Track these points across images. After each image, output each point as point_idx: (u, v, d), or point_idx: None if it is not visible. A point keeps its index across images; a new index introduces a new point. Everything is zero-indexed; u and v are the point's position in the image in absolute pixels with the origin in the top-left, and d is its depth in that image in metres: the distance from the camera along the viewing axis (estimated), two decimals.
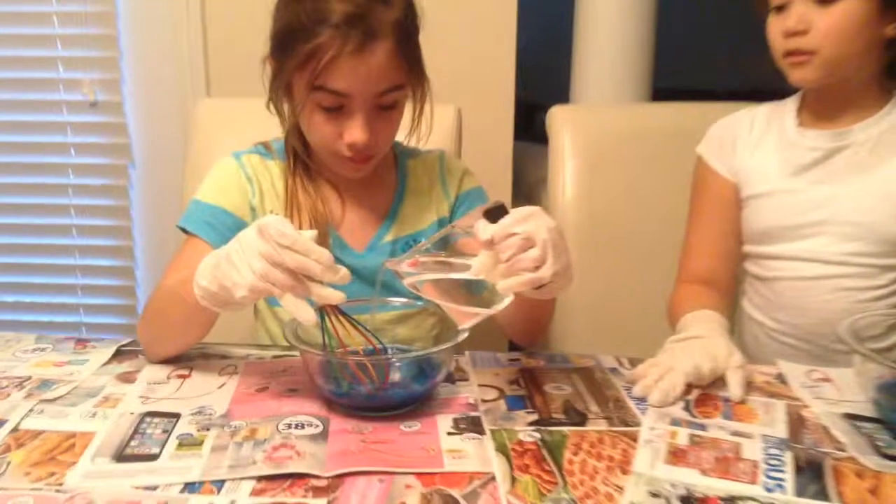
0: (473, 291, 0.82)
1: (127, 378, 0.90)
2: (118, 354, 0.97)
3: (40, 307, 1.97)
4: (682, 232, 1.25)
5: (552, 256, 0.76)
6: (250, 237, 0.78)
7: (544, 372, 0.94)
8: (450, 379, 0.90)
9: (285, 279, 0.76)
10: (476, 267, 0.79)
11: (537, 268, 0.76)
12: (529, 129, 2.08)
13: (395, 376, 0.82)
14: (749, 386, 0.90)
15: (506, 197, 1.87)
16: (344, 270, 0.78)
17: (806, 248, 1.12)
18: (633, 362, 0.98)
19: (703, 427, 0.80)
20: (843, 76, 1.07)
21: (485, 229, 0.77)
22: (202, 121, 1.44)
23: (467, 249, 0.82)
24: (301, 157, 1.06)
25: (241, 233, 0.80)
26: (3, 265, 1.95)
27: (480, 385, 0.90)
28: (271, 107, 1.02)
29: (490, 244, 0.77)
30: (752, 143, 1.17)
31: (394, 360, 0.78)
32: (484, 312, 0.80)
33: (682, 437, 0.77)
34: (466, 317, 0.81)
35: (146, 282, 1.92)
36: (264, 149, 1.09)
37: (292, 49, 0.93)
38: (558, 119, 1.48)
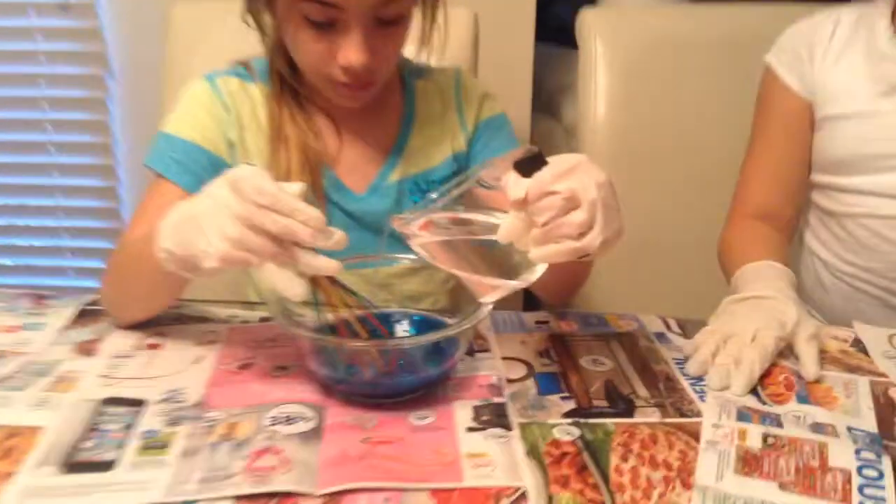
0: (497, 256, 0.66)
1: (87, 349, 0.76)
2: (80, 316, 0.83)
3: (20, 230, 1.83)
4: (737, 158, 1.08)
5: (601, 221, 0.60)
6: (222, 194, 0.62)
7: (578, 339, 0.80)
8: (469, 350, 0.76)
9: (266, 246, 0.61)
10: (504, 230, 0.63)
11: (582, 234, 0.61)
12: (544, 27, 1.85)
13: (404, 358, 0.68)
14: (822, 355, 0.76)
15: (524, 111, 1.68)
16: (339, 234, 0.63)
17: (890, 182, 0.95)
18: (684, 325, 0.83)
19: (777, 421, 0.66)
20: None
21: (517, 185, 0.61)
22: (179, 28, 1.25)
23: (492, 203, 0.66)
24: (288, 81, 0.88)
25: (209, 186, 0.64)
26: None
27: (504, 358, 0.76)
28: (249, 19, 0.83)
29: (523, 204, 0.61)
30: (834, 54, 0.98)
31: (403, 345, 0.64)
32: (511, 285, 0.65)
33: (754, 437, 0.63)
34: (489, 289, 0.66)
35: (131, 203, 1.76)
36: (244, 70, 0.91)
37: None
38: (589, 24, 1.29)
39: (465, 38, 1.21)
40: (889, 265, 0.96)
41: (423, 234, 0.66)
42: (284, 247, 0.61)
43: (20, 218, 1.82)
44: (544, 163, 0.61)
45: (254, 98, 0.89)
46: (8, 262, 1.86)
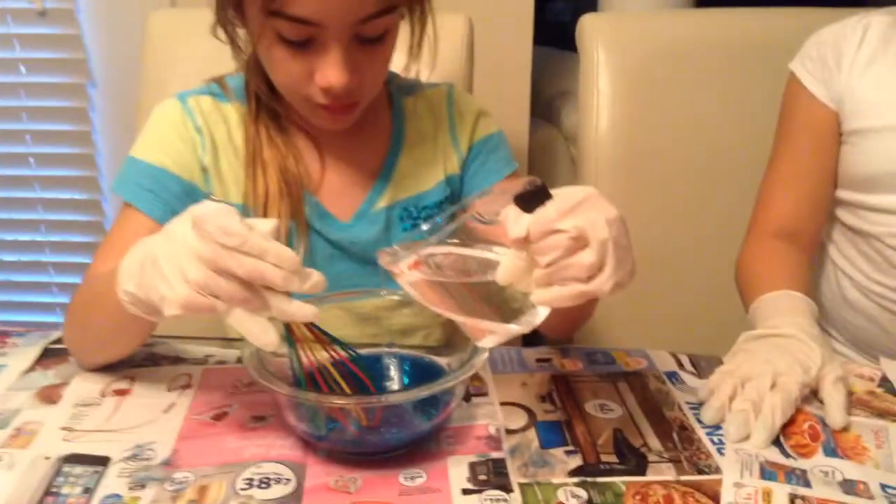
0: (496, 296, 0.60)
1: (49, 396, 0.70)
2: (44, 356, 0.77)
3: (1, 245, 1.76)
4: (751, 170, 1.01)
5: (613, 262, 0.54)
6: (183, 232, 0.56)
7: (583, 380, 0.74)
8: (464, 395, 0.70)
9: (234, 290, 0.54)
10: (503, 271, 0.57)
11: (591, 277, 0.54)
12: (542, 29, 1.78)
13: (392, 411, 0.62)
14: (849, 398, 0.69)
15: (523, 118, 1.62)
16: (316, 276, 0.56)
17: None
18: (697, 363, 0.77)
19: (804, 478, 0.60)
20: None
21: (517, 221, 0.55)
22: (156, 36, 1.19)
23: (490, 237, 0.60)
24: (265, 100, 0.81)
25: (170, 224, 0.58)
26: None
27: (503, 403, 0.69)
28: (220, 33, 0.77)
29: (524, 242, 0.55)
30: (864, 62, 0.90)
31: (389, 401, 0.57)
32: (511, 330, 0.59)
33: (780, 498, 0.57)
34: (486, 333, 0.60)
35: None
36: (218, 88, 0.84)
37: None
38: (590, 30, 1.22)
39: (460, 45, 1.15)
40: None
41: (413, 273, 0.60)
42: (254, 291, 0.55)
43: (2, 233, 1.75)
44: (548, 196, 0.55)
45: (229, 119, 0.82)
46: None
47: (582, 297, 0.55)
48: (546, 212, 0.54)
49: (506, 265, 0.57)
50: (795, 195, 0.96)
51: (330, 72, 0.71)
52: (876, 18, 0.92)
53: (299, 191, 0.81)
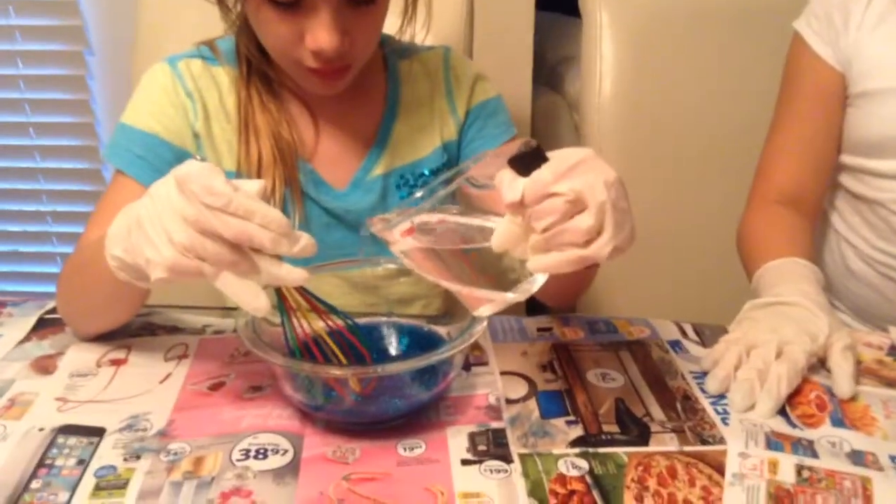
0: (491, 264, 0.59)
1: (44, 367, 0.69)
2: (39, 326, 0.76)
3: (3, 215, 1.75)
4: (755, 136, 0.99)
5: (612, 226, 0.52)
6: (167, 194, 0.54)
7: (585, 349, 0.73)
8: (464, 364, 0.69)
9: (221, 253, 0.53)
10: (499, 237, 0.55)
11: (588, 241, 0.53)
12: None
13: (390, 381, 0.60)
14: (857, 367, 0.68)
15: (525, 85, 1.58)
16: (305, 239, 0.55)
17: None
18: (702, 332, 0.76)
19: (811, 449, 0.58)
20: None
21: (512, 185, 0.53)
22: (152, 2, 1.16)
23: (485, 204, 0.58)
24: (257, 63, 0.79)
25: (153, 186, 0.56)
26: None
27: (504, 373, 0.68)
28: None
29: (519, 207, 0.53)
30: (872, 21, 0.87)
31: (386, 371, 0.56)
32: (507, 298, 0.58)
33: (787, 469, 0.56)
34: (482, 301, 0.59)
35: None
36: (209, 51, 0.81)
37: None
38: None
39: (459, 8, 1.12)
40: None
41: (406, 239, 0.58)
42: (242, 254, 0.54)
43: (4, 203, 1.74)
44: (544, 159, 0.53)
45: (220, 83, 0.80)
46: None
47: (580, 262, 0.53)
48: (541, 174, 0.52)
49: (501, 231, 0.55)
50: (798, 160, 0.94)
51: (320, 34, 0.68)
52: None
53: (293, 157, 0.79)
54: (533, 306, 0.89)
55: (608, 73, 1.18)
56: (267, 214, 0.53)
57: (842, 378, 0.65)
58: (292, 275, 0.55)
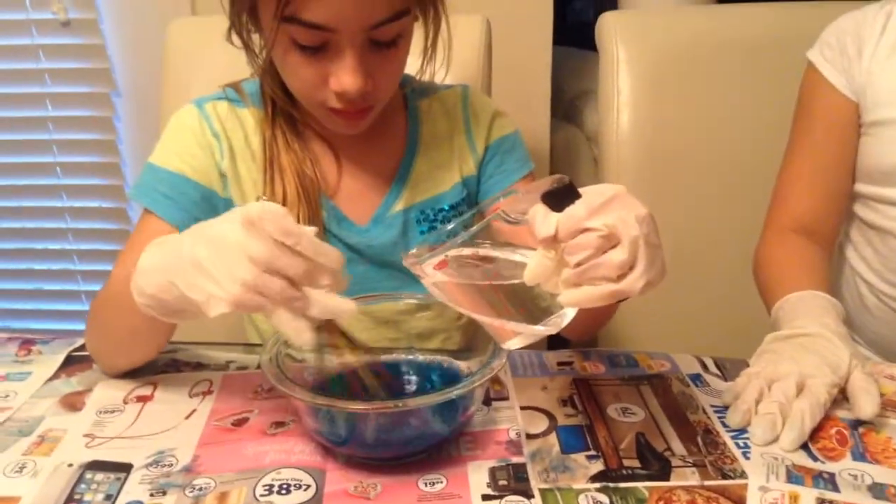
0: (521, 297, 0.59)
1: (73, 403, 0.71)
2: (68, 363, 0.78)
3: (30, 254, 1.79)
4: (774, 167, 0.99)
5: (644, 261, 0.53)
6: (233, 233, 0.55)
7: (605, 383, 0.73)
8: (485, 399, 0.69)
9: (284, 290, 0.55)
10: (531, 271, 0.56)
11: (621, 276, 0.54)
12: (562, 29, 1.77)
13: (411, 416, 0.61)
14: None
15: (543, 119, 1.61)
16: (348, 277, 0.58)
17: None
18: (723, 365, 0.76)
19: (832, 481, 0.58)
20: None
21: (546, 220, 0.54)
22: (176, 44, 1.20)
23: (515, 238, 0.59)
24: (281, 104, 0.82)
25: (210, 227, 0.58)
26: None
27: (524, 408, 0.69)
28: (234, 38, 0.77)
29: (552, 241, 0.54)
30: (885, 50, 0.88)
31: (409, 406, 0.57)
32: (537, 331, 0.58)
33: (808, 502, 0.56)
34: (512, 334, 0.59)
35: None
36: (235, 93, 0.84)
37: None
38: (610, 28, 1.21)
39: (477, 46, 1.15)
40: None
41: (438, 273, 0.59)
42: (300, 291, 0.56)
43: (30, 242, 1.78)
44: (576, 194, 0.55)
45: (245, 124, 0.83)
46: (18, 286, 1.82)
47: (613, 296, 0.54)
48: (575, 210, 0.53)
49: (533, 265, 0.56)
50: (813, 189, 0.94)
51: (344, 76, 0.71)
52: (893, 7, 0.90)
53: (317, 195, 0.81)
54: (554, 340, 0.90)
55: (625, 107, 1.19)
56: (330, 254, 0.56)
57: (864, 398, 0.65)
58: (345, 306, 0.57)
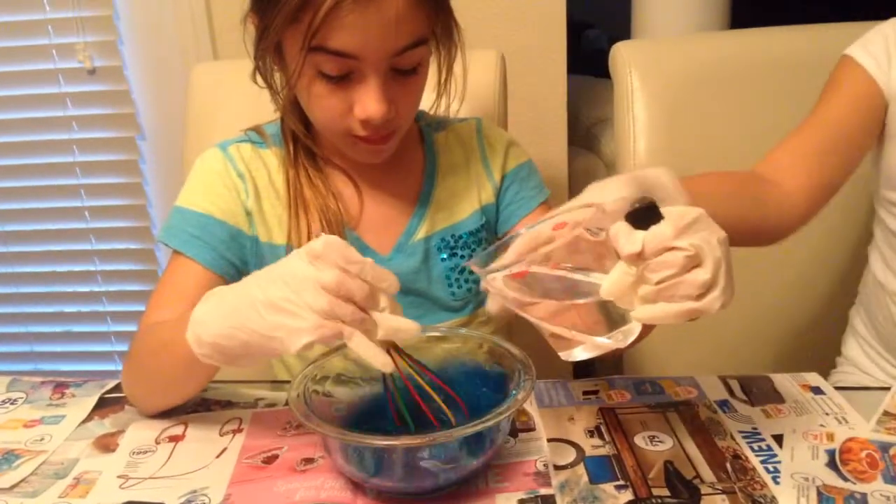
0: (593, 312, 0.60)
1: (106, 445, 0.72)
2: (100, 405, 0.79)
3: (60, 297, 1.82)
4: None
5: (723, 282, 0.55)
6: (302, 269, 0.59)
7: (632, 412, 0.73)
8: (511, 431, 0.69)
9: (355, 312, 0.59)
10: (610, 285, 0.56)
11: (700, 296, 0.55)
12: (577, 57, 1.79)
13: (440, 450, 0.62)
14: None
15: (560, 147, 1.62)
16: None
17: None
18: (749, 389, 0.76)
19: (864, 501, 0.58)
20: None
21: (631, 237, 0.55)
22: (199, 89, 1.23)
23: (576, 251, 0.59)
24: (303, 141, 0.85)
25: (278, 268, 0.61)
26: (13, 255, 1.80)
27: (551, 439, 0.69)
28: (258, 78, 0.80)
29: (637, 258, 0.55)
30: None
31: (436, 441, 0.57)
32: (600, 343, 0.59)
33: None
34: (573, 344, 0.60)
35: None
36: (257, 135, 0.87)
37: None
38: (623, 57, 1.22)
39: (492, 80, 1.16)
40: None
41: (507, 282, 0.60)
42: (367, 314, 0.60)
43: (60, 285, 1.81)
44: (659, 215, 0.55)
45: (268, 164, 0.86)
46: (49, 328, 1.86)
47: (691, 314, 0.55)
48: (663, 229, 0.54)
49: (613, 280, 0.56)
50: (806, 157, 0.90)
51: (369, 103, 0.73)
52: None
53: (340, 228, 0.83)
54: (579, 370, 0.90)
55: (641, 134, 1.20)
56: (388, 278, 0.60)
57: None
58: (409, 325, 0.60)
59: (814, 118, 0.92)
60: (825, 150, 0.91)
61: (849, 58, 0.93)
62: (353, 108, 0.75)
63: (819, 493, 0.59)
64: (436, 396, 0.62)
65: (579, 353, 0.60)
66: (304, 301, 0.58)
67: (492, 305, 0.63)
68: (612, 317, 0.59)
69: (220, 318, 0.63)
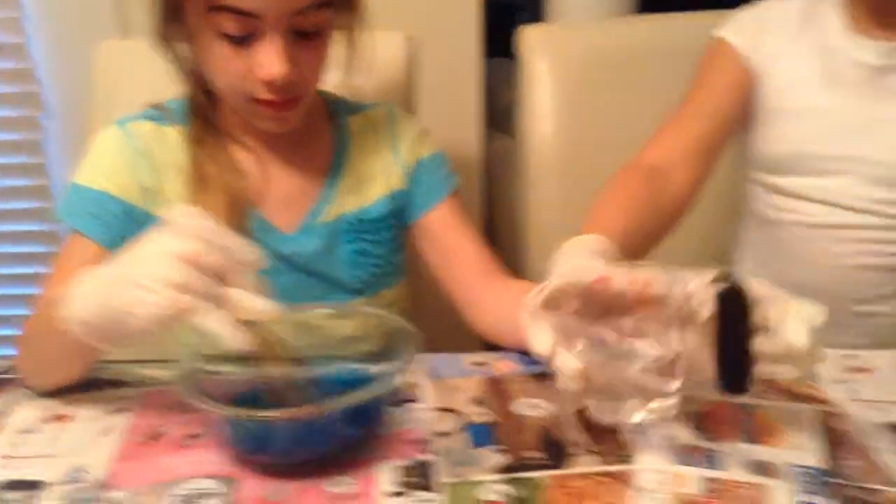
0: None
1: None
2: None
3: None
4: None
5: None
6: (158, 240, 0.58)
7: (515, 381, 0.76)
8: (398, 402, 0.72)
9: (211, 286, 0.57)
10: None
11: None
12: (501, 40, 1.81)
13: (321, 421, 0.63)
14: (770, 385, 0.72)
15: (474, 130, 1.64)
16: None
17: (824, 186, 0.92)
18: None
19: (720, 461, 0.62)
20: None
21: None
22: (104, 66, 1.21)
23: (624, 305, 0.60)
24: (207, 117, 0.85)
25: (137, 244, 0.60)
26: None
27: (438, 409, 0.71)
28: (162, 49, 0.80)
29: None
30: (785, 40, 0.94)
31: (314, 414, 0.59)
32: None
33: (692, 482, 0.60)
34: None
35: None
36: (157, 112, 0.87)
37: None
38: (531, 41, 1.25)
39: (399, 61, 1.17)
40: (826, 279, 0.93)
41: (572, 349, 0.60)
42: (225, 288, 0.58)
43: None
44: (745, 299, 0.57)
45: (170, 141, 0.85)
46: None
47: None
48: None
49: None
50: (679, 134, 0.94)
51: (271, 63, 0.74)
52: (794, 3, 0.96)
53: (244, 206, 0.83)
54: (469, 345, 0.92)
55: (548, 117, 1.24)
56: (252, 252, 0.59)
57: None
58: (268, 306, 0.59)
59: (696, 108, 0.96)
60: (712, 145, 0.96)
61: (720, 39, 0.97)
62: (255, 69, 0.75)
63: (678, 453, 0.63)
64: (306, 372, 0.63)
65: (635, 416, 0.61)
66: (157, 274, 0.56)
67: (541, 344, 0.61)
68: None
69: (90, 295, 0.62)
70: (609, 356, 0.60)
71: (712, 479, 0.60)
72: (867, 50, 0.89)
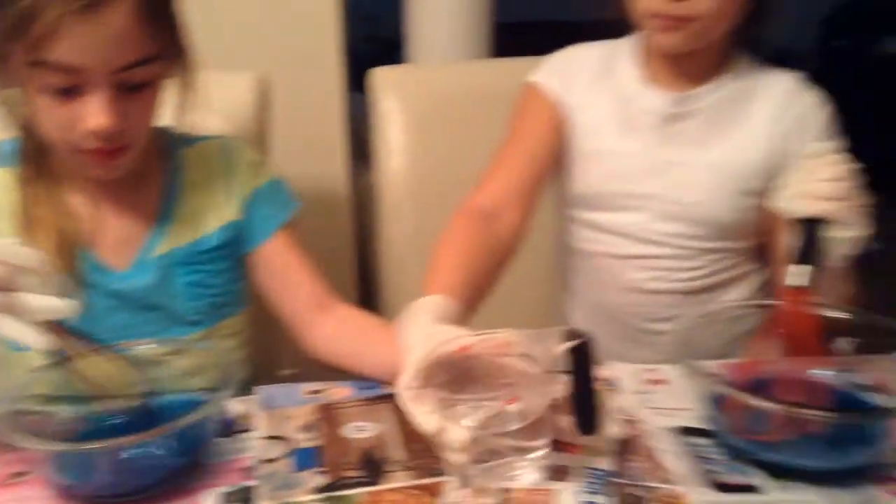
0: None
1: None
2: None
3: None
4: None
5: None
6: None
7: (348, 406, 0.80)
8: (228, 432, 0.75)
9: None
10: None
11: None
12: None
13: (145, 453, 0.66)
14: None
15: (338, 164, 1.68)
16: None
17: (625, 221, 1.03)
18: None
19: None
20: (709, 41, 0.95)
21: None
22: None
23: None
24: (39, 159, 0.85)
25: None
26: None
27: (268, 438, 0.75)
28: None
29: None
30: (588, 86, 1.04)
31: (134, 444, 0.62)
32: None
33: (491, 493, 0.65)
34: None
35: None
36: None
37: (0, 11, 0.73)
38: (380, 81, 1.32)
39: (249, 102, 1.21)
40: (620, 301, 1.06)
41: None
42: (11, 296, 0.61)
43: None
44: (592, 353, 0.64)
45: (1, 181, 0.86)
46: None
47: None
48: None
49: None
50: (503, 176, 1.01)
51: (94, 116, 0.75)
52: (595, 51, 1.06)
53: (74, 247, 0.84)
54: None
55: (397, 155, 1.30)
56: (28, 255, 0.63)
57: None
58: (62, 304, 0.63)
59: (517, 151, 1.04)
60: (535, 185, 1.04)
61: (534, 83, 1.06)
62: (81, 120, 0.76)
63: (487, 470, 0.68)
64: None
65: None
66: None
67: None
68: None
69: None
70: (485, 422, 0.66)
71: (508, 490, 0.66)
72: (659, 99, 1.00)
